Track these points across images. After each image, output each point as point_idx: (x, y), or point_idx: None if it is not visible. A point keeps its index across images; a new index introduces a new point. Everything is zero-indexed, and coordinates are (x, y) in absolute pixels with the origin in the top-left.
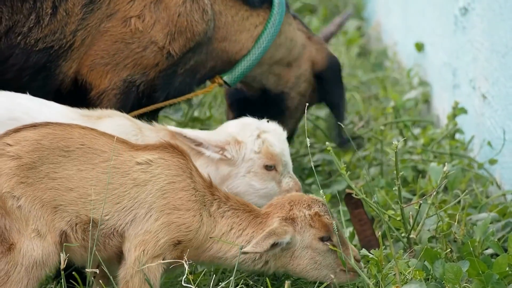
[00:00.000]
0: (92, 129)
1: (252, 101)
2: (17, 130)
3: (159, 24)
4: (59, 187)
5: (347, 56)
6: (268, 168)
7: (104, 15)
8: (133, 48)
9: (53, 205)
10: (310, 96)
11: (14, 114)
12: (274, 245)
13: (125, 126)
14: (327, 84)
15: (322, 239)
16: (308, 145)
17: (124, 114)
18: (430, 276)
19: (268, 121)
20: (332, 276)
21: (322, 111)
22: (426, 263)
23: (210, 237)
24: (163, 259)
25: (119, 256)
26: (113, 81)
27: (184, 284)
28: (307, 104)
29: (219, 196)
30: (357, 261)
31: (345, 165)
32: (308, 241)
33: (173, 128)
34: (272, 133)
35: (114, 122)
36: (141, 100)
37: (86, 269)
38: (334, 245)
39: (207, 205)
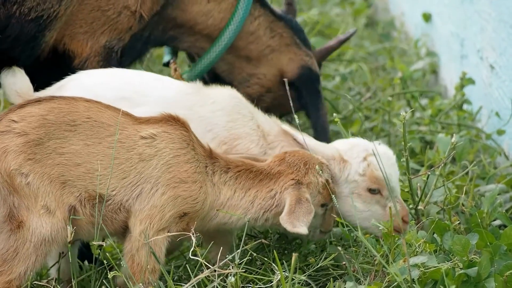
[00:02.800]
0: (97, 101)
1: (207, 82)
2: (21, 105)
3: None
4: (66, 162)
5: (354, 27)
6: (372, 191)
7: None
8: (109, 15)
9: (61, 180)
10: (282, 103)
11: (124, 94)
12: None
13: (241, 100)
14: (300, 94)
15: (322, 206)
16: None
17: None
18: (438, 248)
19: (379, 144)
20: (311, 234)
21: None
22: (435, 235)
23: (217, 210)
24: (168, 232)
25: (125, 231)
26: (93, 48)
27: (191, 257)
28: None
29: (220, 164)
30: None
31: (352, 136)
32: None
33: (285, 127)
34: (380, 156)
35: (228, 91)
36: (120, 66)
37: (93, 242)
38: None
39: (210, 175)
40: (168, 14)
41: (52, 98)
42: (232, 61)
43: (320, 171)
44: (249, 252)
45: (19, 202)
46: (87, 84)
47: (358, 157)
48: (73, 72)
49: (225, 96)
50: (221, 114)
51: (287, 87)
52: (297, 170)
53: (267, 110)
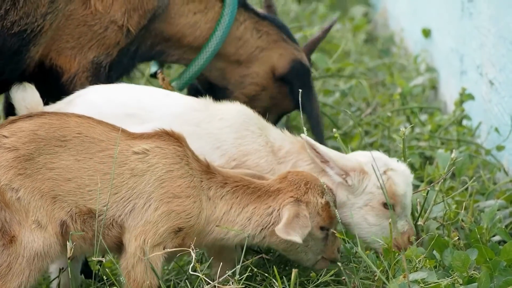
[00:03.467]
0: (88, 117)
1: (201, 92)
2: (12, 121)
3: (117, 3)
4: (57, 177)
5: (354, 43)
6: (386, 206)
7: None
8: (95, 30)
9: (51, 195)
10: (279, 101)
11: (131, 111)
12: None
13: (249, 116)
14: (291, 88)
15: (322, 229)
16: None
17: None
18: (438, 264)
19: (398, 161)
20: (313, 261)
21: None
22: (434, 251)
23: (216, 226)
24: (164, 248)
25: (119, 247)
26: (81, 63)
27: (191, 272)
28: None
29: (216, 179)
30: (338, 251)
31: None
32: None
33: (306, 137)
34: (399, 173)
35: (237, 108)
36: (109, 81)
37: (92, 258)
38: (327, 235)
39: (205, 190)
40: (155, 28)
41: (43, 113)
42: (223, 67)
43: (322, 192)
44: (250, 268)
45: (10, 217)
46: (94, 100)
47: (379, 170)
48: (62, 88)
49: (233, 113)
50: (229, 131)
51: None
52: (297, 188)
53: (266, 110)
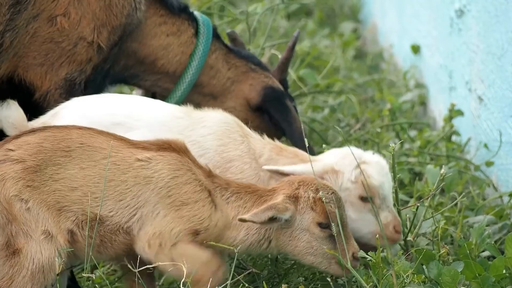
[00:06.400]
0: (89, 128)
1: None
2: (17, 136)
3: (85, 19)
4: (62, 188)
5: (343, 59)
6: (364, 199)
7: (31, 15)
8: (64, 46)
9: (57, 207)
10: (266, 130)
11: (117, 119)
12: (273, 219)
13: (231, 124)
14: (270, 115)
15: (320, 225)
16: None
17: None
18: (427, 279)
19: (373, 153)
20: (326, 265)
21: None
22: (423, 265)
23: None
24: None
25: (127, 254)
26: (53, 81)
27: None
28: None
29: (219, 183)
30: (355, 259)
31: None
32: (306, 223)
33: (266, 167)
34: (372, 165)
35: (219, 115)
36: None
37: (83, 274)
38: (331, 235)
39: (211, 195)
40: (128, 47)
41: (45, 127)
42: (199, 101)
43: (317, 189)
44: (241, 284)
45: (17, 230)
46: (80, 110)
47: (351, 165)
48: (35, 105)
49: (215, 120)
50: (212, 138)
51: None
52: (290, 185)
53: None
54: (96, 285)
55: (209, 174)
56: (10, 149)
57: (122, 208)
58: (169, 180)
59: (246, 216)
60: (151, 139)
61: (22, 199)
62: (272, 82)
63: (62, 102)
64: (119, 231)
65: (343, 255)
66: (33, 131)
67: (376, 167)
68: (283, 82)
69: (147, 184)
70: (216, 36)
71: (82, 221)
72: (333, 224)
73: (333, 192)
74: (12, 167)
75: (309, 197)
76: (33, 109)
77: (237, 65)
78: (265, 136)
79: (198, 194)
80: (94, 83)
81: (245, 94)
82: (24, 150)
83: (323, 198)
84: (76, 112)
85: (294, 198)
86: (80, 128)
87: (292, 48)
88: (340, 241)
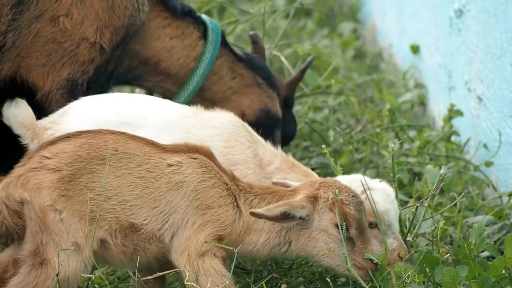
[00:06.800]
0: (122, 132)
1: None
2: (52, 142)
3: (87, 20)
4: (97, 197)
5: (343, 59)
6: (370, 225)
7: (33, 16)
8: (66, 47)
9: (90, 216)
10: None
11: (125, 118)
12: (287, 216)
13: (239, 128)
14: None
15: (338, 227)
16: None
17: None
18: (427, 280)
19: (380, 181)
20: (344, 268)
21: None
22: (424, 267)
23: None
24: (215, 255)
25: (159, 261)
26: (55, 81)
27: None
28: None
29: (243, 187)
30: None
31: (341, 168)
32: (324, 224)
33: (278, 180)
34: (377, 191)
35: (228, 117)
36: None
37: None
38: (350, 237)
39: (236, 198)
40: (132, 49)
41: (80, 133)
42: (198, 104)
43: (337, 191)
44: (241, 284)
45: (47, 240)
46: (89, 110)
47: (357, 191)
48: (37, 105)
49: (224, 122)
50: (219, 139)
51: None
52: (311, 186)
53: None
54: (96, 285)
55: (233, 178)
56: (46, 157)
57: (156, 215)
58: (197, 183)
59: (259, 210)
60: (179, 142)
61: (56, 209)
62: (272, 105)
63: (64, 102)
64: (152, 239)
65: (359, 258)
66: (68, 137)
67: (382, 194)
68: (289, 99)
69: (178, 189)
70: (224, 42)
71: (115, 230)
72: (351, 227)
73: (354, 196)
74: (48, 176)
75: (328, 198)
76: (35, 109)
77: (244, 76)
78: (279, 147)
79: (224, 198)
80: (97, 84)
81: (243, 108)
82: (60, 159)
83: (345, 201)
84: (84, 111)
85: (314, 198)
86: (113, 133)
87: (304, 71)
88: (358, 244)
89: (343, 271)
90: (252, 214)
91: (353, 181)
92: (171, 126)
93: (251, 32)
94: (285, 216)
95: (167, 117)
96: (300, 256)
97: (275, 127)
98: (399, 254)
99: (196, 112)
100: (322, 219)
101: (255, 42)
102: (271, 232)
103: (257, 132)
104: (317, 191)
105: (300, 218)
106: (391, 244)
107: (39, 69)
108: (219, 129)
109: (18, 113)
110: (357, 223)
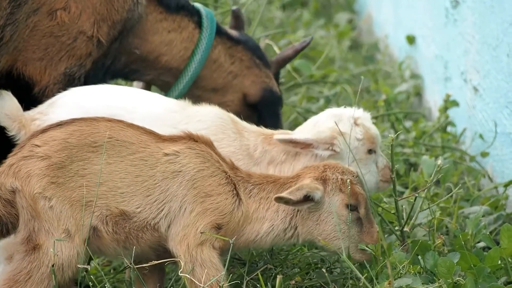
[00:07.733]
0: (119, 120)
1: None
2: (43, 130)
3: (85, 13)
4: (88, 183)
5: (339, 49)
6: (370, 152)
7: (31, 9)
8: (63, 41)
9: (82, 203)
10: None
11: (113, 111)
12: (306, 199)
13: (226, 121)
14: (261, 116)
15: (349, 207)
16: None
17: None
18: (422, 269)
19: (353, 107)
20: (353, 250)
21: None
22: (418, 256)
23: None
24: (212, 245)
25: (154, 251)
26: (52, 75)
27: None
28: None
29: (242, 176)
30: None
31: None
32: (335, 205)
33: (278, 137)
34: (364, 117)
35: (214, 111)
36: None
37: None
38: (359, 218)
39: (236, 187)
40: (129, 43)
41: (73, 120)
42: (199, 94)
43: (343, 172)
44: (236, 276)
45: (39, 227)
46: (77, 101)
47: (350, 125)
48: (34, 99)
49: (211, 115)
50: (206, 133)
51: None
52: (316, 169)
53: None
54: (92, 276)
55: (233, 167)
56: (36, 145)
57: (150, 204)
58: (195, 173)
59: (284, 194)
60: (179, 132)
61: (46, 196)
62: (272, 84)
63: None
64: (146, 227)
65: (367, 238)
66: (60, 124)
67: (367, 119)
68: (277, 75)
69: (174, 178)
70: (219, 29)
71: (106, 217)
72: (361, 206)
73: (357, 175)
74: (37, 163)
75: (337, 178)
76: (32, 104)
77: (243, 58)
78: (262, 127)
79: (223, 187)
80: (95, 79)
81: (245, 89)
82: (49, 146)
83: (353, 181)
84: (72, 101)
85: (322, 181)
86: (109, 120)
87: (299, 51)
88: (365, 224)
89: (352, 253)
90: (278, 199)
91: (339, 115)
92: (157, 121)
93: (234, 7)
94: (306, 198)
95: (154, 111)
96: (305, 241)
97: (279, 105)
98: (389, 168)
99: (183, 106)
100: (332, 201)
101: (237, 16)
102: (274, 219)
103: (263, 112)
104: (324, 173)
105: (315, 203)
106: (382, 162)
107: (36, 63)
108: (206, 123)
109: (3, 105)
110: (365, 202)
